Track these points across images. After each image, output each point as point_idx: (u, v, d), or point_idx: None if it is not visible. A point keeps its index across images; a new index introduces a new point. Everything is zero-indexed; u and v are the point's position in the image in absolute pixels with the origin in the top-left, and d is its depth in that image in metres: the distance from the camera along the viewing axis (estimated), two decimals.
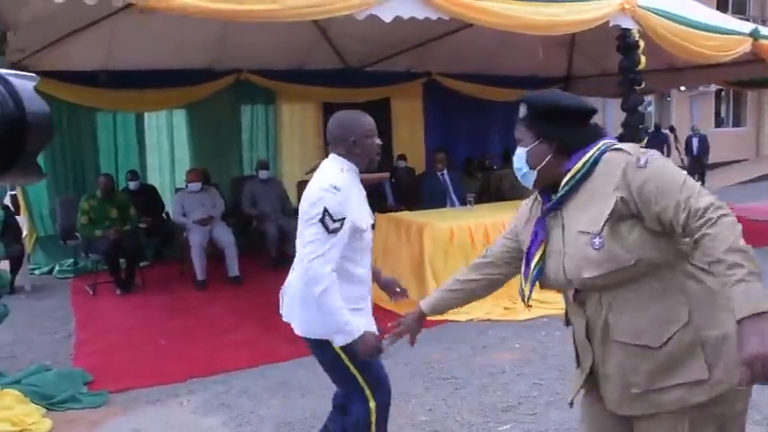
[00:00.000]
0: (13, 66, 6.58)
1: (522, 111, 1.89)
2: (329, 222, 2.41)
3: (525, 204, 2.06)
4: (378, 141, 2.67)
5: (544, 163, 1.83)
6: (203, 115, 8.65)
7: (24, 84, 0.91)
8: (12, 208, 7.55)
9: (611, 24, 5.88)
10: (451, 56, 8.68)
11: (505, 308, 5.60)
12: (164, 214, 8.07)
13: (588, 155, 1.76)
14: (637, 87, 6.32)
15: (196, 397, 4.00)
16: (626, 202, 1.66)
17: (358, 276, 2.62)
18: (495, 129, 11.12)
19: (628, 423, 1.86)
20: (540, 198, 1.93)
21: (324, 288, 2.40)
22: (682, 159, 12.27)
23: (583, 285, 1.76)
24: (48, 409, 3.79)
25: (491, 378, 4.13)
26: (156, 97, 8.00)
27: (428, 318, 2.31)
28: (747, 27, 6.99)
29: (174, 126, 8.90)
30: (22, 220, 7.60)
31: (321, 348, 2.59)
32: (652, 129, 13.46)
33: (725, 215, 1.57)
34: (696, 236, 1.56)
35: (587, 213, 1.72)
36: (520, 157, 1.89)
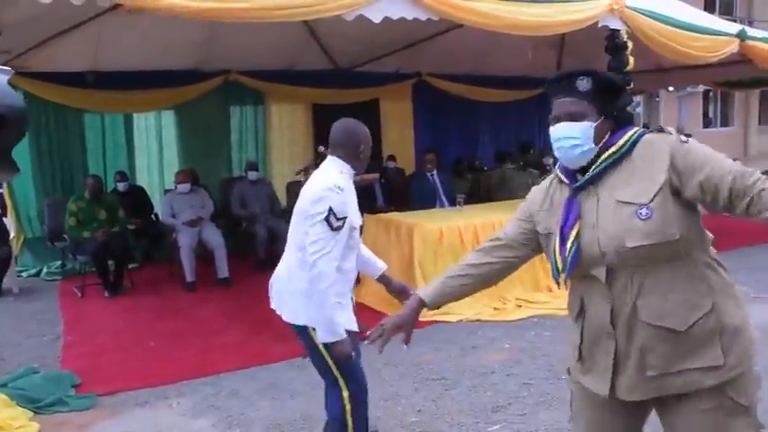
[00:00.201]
0: None
1: (585, 84, 1.84)
2: (333, 221, 2.57)
3: (537, 189, 2.05)
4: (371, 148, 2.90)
5: (605, 139, 1.84)
6: (192, 116, 8.61)
7: None
8: None
9: (599, 25, 5.91)
10: (441, 56, 8.69)
11: (495, 308, 5.62)
12: (153, 215, 8.03)
13: (629, 134, 1.82)
14: (626, 87, 6.35)
15: (185, 399, 3.98)
16: (672, 176, 1.72)
17: (345, 271, 2.75)
18: (484, 129, 11.16)
19: (631, 413, 1.90)
20: (565, 178, 1.90)
21: (327, 285, 2.58)
22: None
23: (620, 258, 1.74)
24: (35, 412, 3.76)
25: (481, 378, 4.13)
26: (145, 98, 7.96)
27: (429, 310, 2.17)
28: (734, 28, 7.04)
29: (163, 127, 8.86)
30: (9, 221, 7.54)
31: (303, 334, 2.74)
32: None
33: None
34: (752, 193, 1.65)
35: (631, 186, 1.76)
36: (585, 131, 1.82)
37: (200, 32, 6.69)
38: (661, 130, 1.83)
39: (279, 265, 2.88)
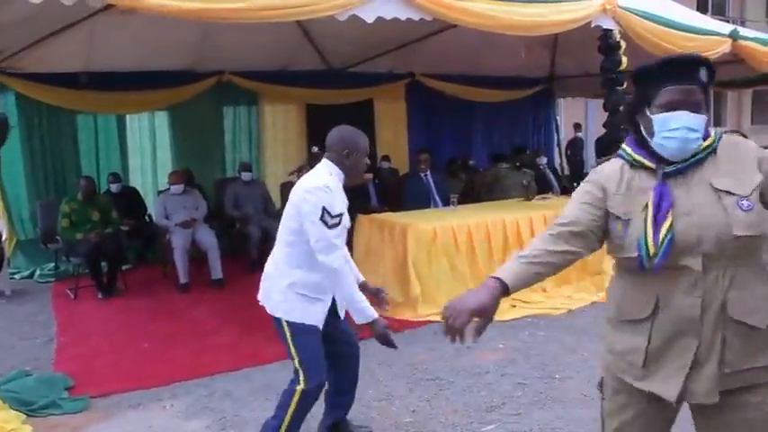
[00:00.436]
0: None
1: (704, 74, 1.79)
2: (328, 219, 2.75)
3: (606, 173, 1.91)
4: (367, 161, 3.06)
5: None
6: (185, 117, 8.58)
7: None
8: None
9: (592, 25, 5.92)
10: (435, 57, 8.69)
11: None
12: (146, 217, 8.01)
13: (713, 130, 1.85)
14: (618, 87, 6.37)
15: (179, 401, 3.96)
16: (764, 178, 1.76)
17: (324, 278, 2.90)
18: (478, 129, 11.15)
19: (674, 417, 1.91)
20: (655, 165, 1.83)
21: (346, 277, 2.84)
22: None
23: (719, 248, 1.72)
24: (28, 415, 3.74)
25: (475, 378, 4.13)
26: (138, 99, 7.93)
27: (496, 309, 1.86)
28: (727, 28, 7.05)
29: (157, 128, 8.85)
30: (1, 223, 7.51)
31: (278, 327, 2.94)
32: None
33: None
34: None
35: (728, 178, 1.76)
36: (702, 124, 1.78)
37: (193, 33, 6.67)
38: (735, 132, 1.87)
39: (268, 258, 3.03)
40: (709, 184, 1.77)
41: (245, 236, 7.38)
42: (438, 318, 5.39)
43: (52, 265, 7.52)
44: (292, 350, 2.90)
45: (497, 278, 1.84)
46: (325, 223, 2.74)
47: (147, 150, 8.82)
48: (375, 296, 3.18)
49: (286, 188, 8.02)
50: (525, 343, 4.81)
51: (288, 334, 2.90)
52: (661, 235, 1.75)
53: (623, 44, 6.21)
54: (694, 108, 1.77)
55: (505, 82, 10.38)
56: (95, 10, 5.02)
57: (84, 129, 8.14)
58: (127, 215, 7.35)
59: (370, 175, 5.96)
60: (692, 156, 1.80)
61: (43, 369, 4.51)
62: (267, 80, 8.66)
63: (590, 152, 13.21)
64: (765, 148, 1.88)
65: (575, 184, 11.76)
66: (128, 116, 8.50)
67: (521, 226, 6.04)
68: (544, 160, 9.87)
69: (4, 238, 7.32)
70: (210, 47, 7.36)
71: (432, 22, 5.11)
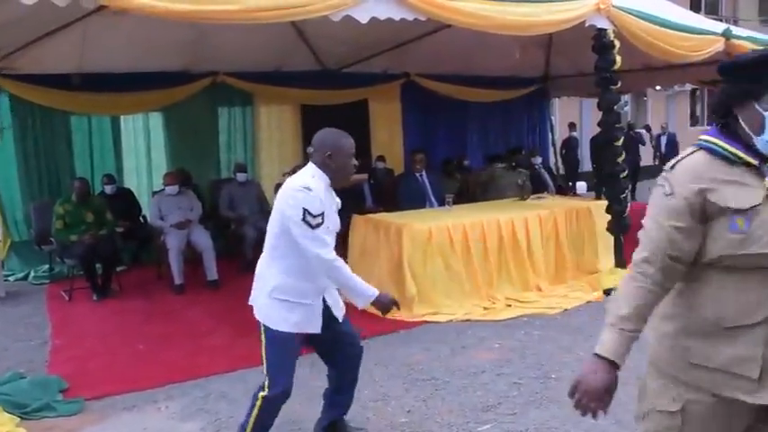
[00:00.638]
0: None
1: None
2: (310, 219, 2.75)
3: (699, 172, 1.73)
4: (354, 162, 3.03)
5: None
6: (180, 118, 8.57)
7: None
8: None
9: (586, 24, 5.93)
10: (429, 57, 8.69)
11: (485, 308, 5.63)
12: (141, 218, 7.98)
13: None
14: (612, 87, 6.38)
15: (174, 402, 3.95)
16: None
17: (313, 274, 2.89)
18: (473, 129, 11.17)
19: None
20: (758, 162, 1.71)
21: (339, 270, 2.84)
22: (656, 157, 12.41)
23: None
24: (22, 418, 3.71)
25: (471, 378, 4.13)
26: (132, 100, 7.90)
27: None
28: (720, 27, 7.09)
29: (151, 129, 8.82)
30: None
31: (258, 326, 2.95)
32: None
33: None
34: None
35: None
36: None
37: (187, 34, 6.65)
38: None
39: (258, 264, 3.06)
40: None
41: (241, 237, 7.36)
42: (434, 318, 5.42)
43: (46, 266, 7.49)
44: (263, 355, 2.93)
45: (608, 359, 1.77)
46: (308, 223, 2.75)
47: (141, 151, 8.79)
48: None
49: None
50: (521, 342, 4.81)
51: (263, 338, 2.93)
52: None
53: (617, 43, 6.23)
54: None
55: (500, 82, 10.39)
56: (88, 11, 5.00)
57: (79, 130, 8.12)
58: (121, 216, 7.33)
59: (365, 176, 5.95)
60: None
61: (37, 371, 4.49)
62: (262, 81, 8.64)
63: (585, 151, 13.23)
64: None
65: (570, 183, 11.88)
66: (122, 117, 8.48)
67: (516, 226, 6.04)
68: (539, 160, 9.89)
69: None
70: (205, 47, 7.35)
71: (426, 22, 5.12)
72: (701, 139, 1.80)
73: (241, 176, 7.73)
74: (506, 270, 6.01)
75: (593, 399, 1.76)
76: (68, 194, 6.75)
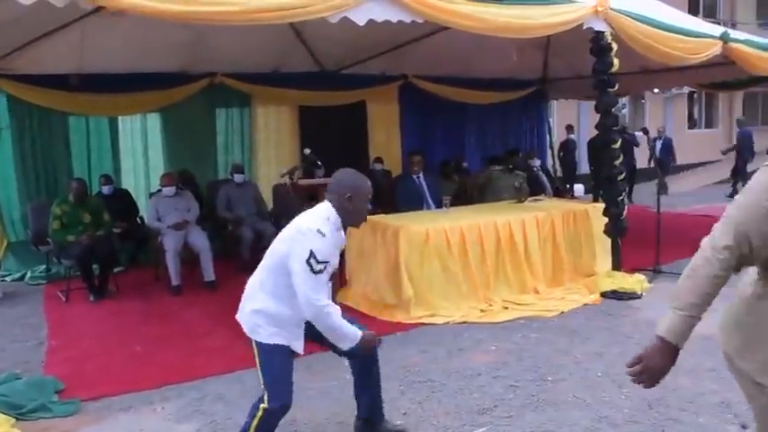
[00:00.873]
0: None
1: None
2: (314, 264, 2.71)
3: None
4: (369, 207, 3.04)
5: None
6: (178, 119, 8.57)
7: None
8: None
9: (584, 27, 5.94)
10: (427, 59, 8.70)
11: (482, 310, 5.63)
12: (138, 219, 7.98)
13: None
14: (610, 89, 6.39)
15: (170, 404, 3.95)
16: None
17: (297, 312, 2.87)
18: (471, 131, 11.18)
19: None
20: None
21: (330, 317, 2.79)
22: (650, 160, 12.41)
23: None
24: (17, 418, 3.70)
25: (467, 380, 4.13)
26: (130, 101, 7.90)
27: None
28: (718, 30, 7.10)
29: (149, 130, 8.81)
30: None
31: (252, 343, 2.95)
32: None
33: None
34: None
35: None
36: None
37: (185, 34, 6.65)
38: None
39: (251, 279, 3.02)
40: None
41: (238, 238, 7.36)
42: (431, 320, 5.40)
43: (43, 267, 7.48)
44: (258, 368, 2.92)
45: (672, 344, 1.84)
46: (311, 266, 2.72)
47: (139, 152, 8.79)
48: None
49: (278, 190, 8.02)
50: (518, 345, 4.81)
51: (255, 351, 2.92)
52: None
53: (615, 46, 6.24)
54: None
55: (498, 84, 10.41)
56: (86, 12, 5.00)
57: (76, 130, 8.11)
58: (119, 217, 7.32)
59: None
60: None
61: (33, 372, 4.48)
62: (260, 82, 8.65)
63: (582, 154, 13.25)
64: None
65: (567, 186, 11.88)
66: (120, 118, 8.47)
67: (513, 228, 6.05)
68: (537, 162, 9.89)
69: None
70: (203, 48, 7.35)
71: (423, 24, 5.11)
72: None
73: (238, 177, 7.73)
74: (503, 272, 6.01)
75: (652, 377, 1.87)
76: (66, 195, 6.74)
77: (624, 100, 16.40)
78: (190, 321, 5.73)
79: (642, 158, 12.57)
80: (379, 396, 3.32)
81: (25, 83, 7.10)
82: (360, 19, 4.61)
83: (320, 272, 2.75)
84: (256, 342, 2.91)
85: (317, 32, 7.32)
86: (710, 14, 18.99)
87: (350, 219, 2.97)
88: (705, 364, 4.23)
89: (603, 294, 5.95)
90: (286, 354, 2.92)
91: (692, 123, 20.22)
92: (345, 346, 2.91)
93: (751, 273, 1.87)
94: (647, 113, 18.24)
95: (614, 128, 6.50)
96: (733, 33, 7.24)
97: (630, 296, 5.90)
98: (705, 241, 1.82)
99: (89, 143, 8.21)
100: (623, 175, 6.59)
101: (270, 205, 8.19)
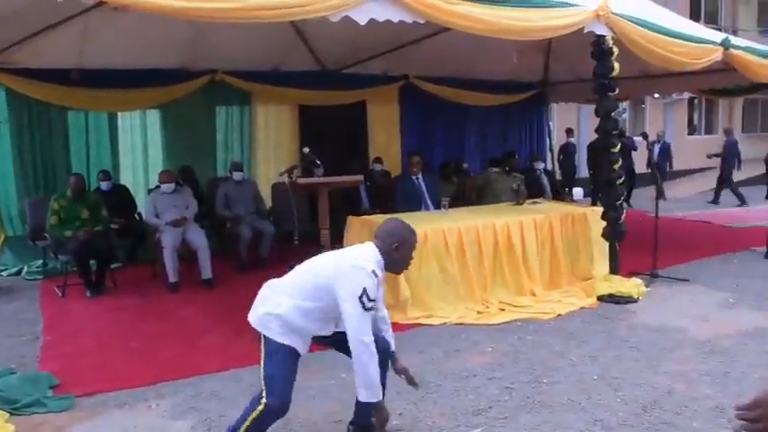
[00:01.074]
0: None
1: None
2: (366, 302, 2.82)
3: None
4: (413, 256, 3.15)
5: None
6: (177, 116, 8.57)
7: None
8: None
9: (585, 31, 5.94)
10: (429, 59, 8.70)
11: (478, 312, 5.62)
12: (136, 215, 7.97)
13: None
14: (610, 93, 6.39)
15: (165, 401, 3.94)
16: None
17: (321, 322, 3.00)
18: (471, 133, 11.18)
19: None
20: None
21: (371, 354, 2.85)
22: (649, 165, 12.44)
23: None
24: (11, 413, 3.69)
25: (463, 382, 4.13)
26: (130, 97, 7.89)
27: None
28: (719, 36, 7.10)
29: (149, 126, 8.80)
30: None
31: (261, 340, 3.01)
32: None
33: None
34: None
35: None
36: None
37: (186, 30, 6.64)
38: None
39: (281, 295, 3.01)
40: None
41: (236, 236, 7.35)
42: (427, 321, 5.39)
43: (40, 262, 7.48)
44: (261, 363, 2.96)
45: None
46: (362, 304, 2.81)
47: (138, 148, 8.77)
48: (401, 373, 3.29)
49: (277, 189, 8.02)
50: (514, 347, 4.81)
51: (262, 345, 2.97)
52: None
53: (616, 50, 6.24)
54: None
55: (499, 86, 10.41)
56: (88, 6, 4.99)
57: (75, 126, 8.10)
58: (117, 213, 7.31)
59: (360, 177, 5.96)
60: None
61: (28, 367, 4.47)
62: (260, 80, 8.65)
63: (582, 157, 13.26)
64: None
65: (566, 189, 11.89)
66: (119, 114, 8.46)
67: (511, 230, 6.04)
68: (541, 165, 9.87)
69: None
70: (203, 45, 7.34)
71: (425, 25, 5.10)
72: None
73: (237, 175, 7.73)
74: (501, 274, 6.01)
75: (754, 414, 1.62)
76: (64, 190, 6.74)
77: (625, 105, 16.42)
78: (186, 319, 5.72)
79: (640, 163, 12.60)
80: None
81: (25, 77, 7.09)
82: (361, 18, 4.59)
83: (370, 309, 2.85)
84: (265, 337, 2.95)
85: (318, 31, 7.32)
86: (712, 21, 19.00)
87: (393, 266, 3.10)
88: (699, 369, 4.24)
89: (600, 298, 5.95)
90: (292, 354, 2.96)
91: (692, 129, 20.23)
92: (362, 394, 2.92)
93: None
94: (647, 118, 18.25)
95: (614, 132, 6.50)
96: (734, 40, 7.24)
97: (627, 300, 5.89)
98: None
99: (88, 139, 8.19)
100: (622, 178, 6.59)
101: (269, 204, 8.19)
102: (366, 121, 9.88)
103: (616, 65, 6.27)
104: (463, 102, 10.25)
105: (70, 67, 7.32)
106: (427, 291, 5.57)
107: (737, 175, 14.44)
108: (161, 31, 6.22)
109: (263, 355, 2.95)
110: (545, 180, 9.70)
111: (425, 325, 5.33)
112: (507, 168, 8.48)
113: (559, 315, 5.57)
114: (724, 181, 13.91)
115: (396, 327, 5.21)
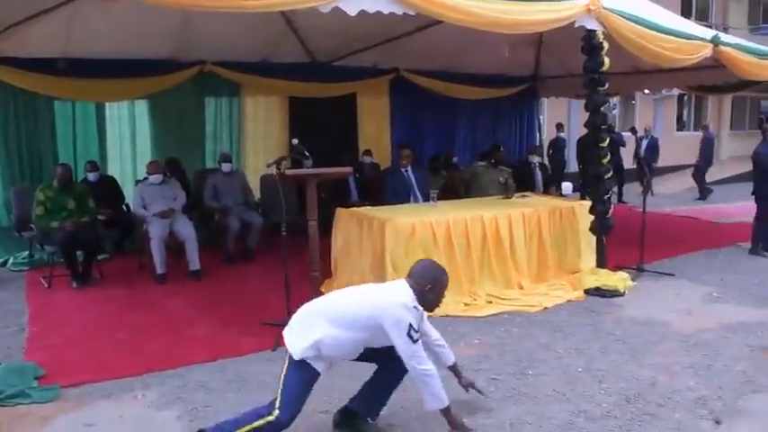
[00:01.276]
0: None
1: None
2: (414, 334, 3.04)
3: None
4: (445, 294, 3.29)
5: None
6: (166, 106, 8.51)
7: None
8: None
9: (576, 25, 5.95)
10: (419, 52, 8.69)
11: (465, 304, 5.64)
12: (123, 206, 7.92)
13: None
14: (600, 88, 6.41)
15: (151, 391, 3.93)
16: None
17: (343, 354, 3.16)
18: (461, 126, 11.19)
19: None
20: None
21: (431, 375, 3.10)
22: (633, 160, 12.51)
23: None
24: None
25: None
26: (118, 87, 7.81)
27: None
28: (709, 33, 7.12)
29: (137, 116, 8.72)
30: None
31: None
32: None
33: None
34: None
35: None
36: None
37: (174, 19, 6.56)
38: None
39: (310, 314, 3.17)
40: None
41: (224, 227, 7.33)
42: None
43: (26, 253, 7.42)
44: (281, 377, 3.06)
45: None
46: (411, 338, 3.02)
47: (126, 139, 8.69)
48: (468, 386, 3.57)
49: (266, 180, 8.00)
50: (500, 339, 4.83)
51: (286, 362, 3.08)
52: None
53: (606, 45, 6.25)
54: None
55: (490, 80, 10.42)
56: None
57: (62, 115, 8.01)
58: (104, 204, 7.26)
59: (349, 169, 5.95)
60: None
61: (14, 358, 4.45)
62: (249, 71, 8.61)
63: (572, 152, 13.30)
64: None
65: (556, 184, 11.92)
66: (107, 104, 8.37)
67: (499, 223, 6.06)
68: (537, 159, 9.85)
69: None
70: (192, 35, 7.29)
71: (416, 17, 5.09)
72: None
73: (226, 167, 7.70)
74: (488, 267, 6.03)
75: None
76: (50, 180, 6.69)
77: (615, 100, 16.47)
78: (174, 310, 5.70)
79: (629, 159, 12.66)
80: (385, 402, 3.43)
81: (10, 65, 7.00)
82: (351, 9, 4.58)
83: (418, 340, 3.06)
84: (290, 355, 3.06)
85: (309, 22, 7.30)
86: (703, 18, 19.08)
87: (425, 304, 3.21)
88: (683, 361, 4.27)
89: (587, 291, 5.98)
90: (314, 377, 3.08)
91: (681, 125, 20.34)
92: (431, 404, 3.16)
93: None
94: (637, 114, 18.33)
95: (603, 126, 6.52)
96: (724, 37, 7.27)
97: (613, 294, 5.93)
98: None
99: (75, 129, 8.11)
100: (611, 173, 6.62)
101: (257, 195, 8.17)
102: (356, 114, 9.86)
103: (606, 60, 6.29)
104: (454, 95, 10.25)
105: (57, 56, 7.24)
106: None
107: (722, 173, 14.54)
108: (150, 20, 6.16)
109: (286, 367, 3.05)
110: (539, 174, 9.70)
111: None
112: (493, 161, 8.47)
113: (546, 308, 5.60)
114: (694, 174, 14.12)
115: None
